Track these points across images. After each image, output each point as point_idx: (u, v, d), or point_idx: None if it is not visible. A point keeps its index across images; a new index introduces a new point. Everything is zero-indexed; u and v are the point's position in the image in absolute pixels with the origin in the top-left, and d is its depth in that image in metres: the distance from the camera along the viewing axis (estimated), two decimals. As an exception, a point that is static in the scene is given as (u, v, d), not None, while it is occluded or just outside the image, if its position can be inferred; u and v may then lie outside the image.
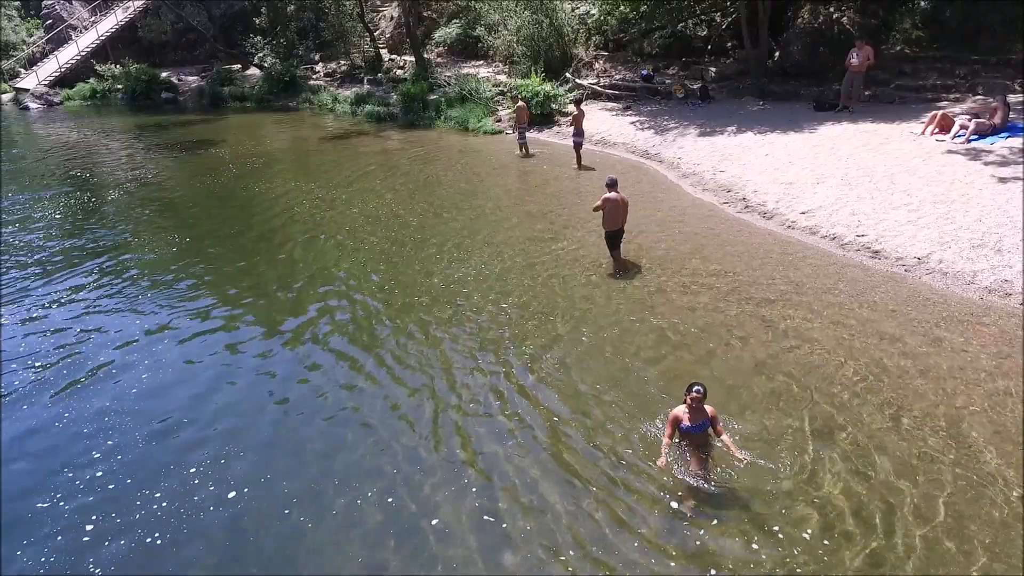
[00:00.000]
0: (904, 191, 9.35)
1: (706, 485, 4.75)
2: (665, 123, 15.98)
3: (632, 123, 16.54)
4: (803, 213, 9.53)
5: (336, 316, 7.70)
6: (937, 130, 11.53)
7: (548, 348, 6.65)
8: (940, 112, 11.68)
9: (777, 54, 19.26)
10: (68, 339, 7.27)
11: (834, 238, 8.77)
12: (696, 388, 4.87)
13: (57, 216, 12.22)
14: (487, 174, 14.19)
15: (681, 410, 4.97)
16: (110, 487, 5.01)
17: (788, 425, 5.29)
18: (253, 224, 11.30)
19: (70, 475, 5.13)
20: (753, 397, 5.63)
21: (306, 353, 6.90)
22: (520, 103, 16.04)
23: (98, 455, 5.37)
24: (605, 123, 16.85)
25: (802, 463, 4.88)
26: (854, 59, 14.19)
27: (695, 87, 18.68)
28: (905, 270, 7.75)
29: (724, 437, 4.89)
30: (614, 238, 8.28)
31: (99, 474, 5.14)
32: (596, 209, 8.18)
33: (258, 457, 5.27)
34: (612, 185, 8.13)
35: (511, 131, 17.34)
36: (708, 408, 4.92)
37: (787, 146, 12.56)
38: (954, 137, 11.02)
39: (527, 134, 15.90)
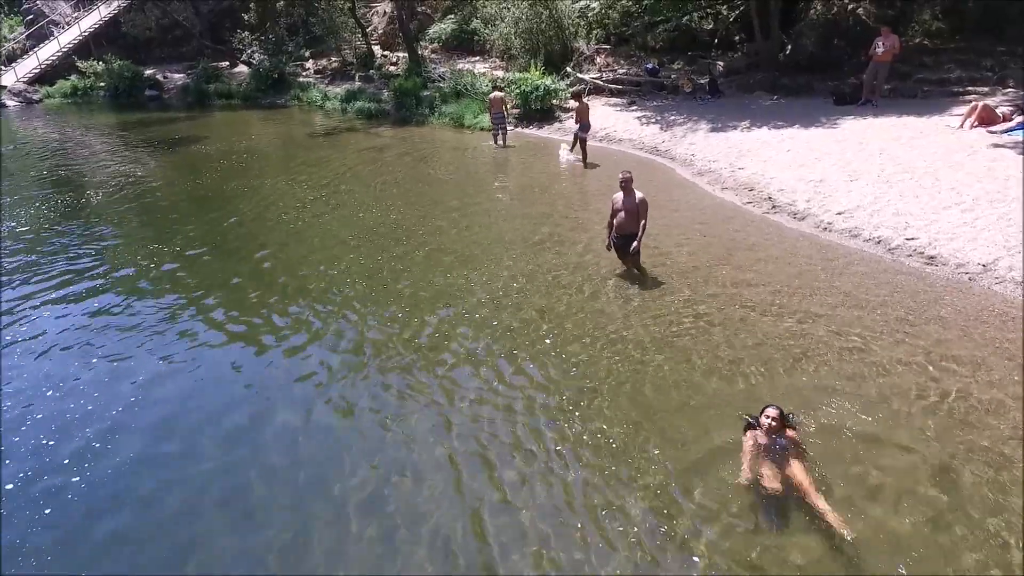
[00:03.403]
0: (952, 189, 8.35)
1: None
2: (673, 118, 14.98)
3: (638, 118, 15.54)
4: (839, 214, 8.51)
5: (328, 331, 6.63)
6: (977, 123, 10.55)
7: (562, 375, 5.59)
8: (980, 103, 10.69)
9: (789, 47, 18.30)
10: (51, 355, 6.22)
11: (879, 241, 7.75)
12: (769, 410, 4.33)
13: (29, 217, 11.08)
14: (485, 172, 13.17)
15: (755, 434, 4.39)
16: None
17: (868, 478, 4.24)
18: (234, 228, 10.21)
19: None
20: (816, 441, 4.57)
21: (307, 363, 6.00)
22: (495, 93, 15.29)
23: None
24: (609, 119, 15.83)
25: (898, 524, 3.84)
26: (879, 48, 13.22)
27: (702, 81, 17.74)
28: (969, 278, 6.72)
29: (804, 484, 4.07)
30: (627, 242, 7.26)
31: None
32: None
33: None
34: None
35: (510, 126, 16.33)
36: (789, 432, 4.34)
37: (809, 141, 11.57)
38: (1008, 131, 9.97)
39: (508, 126, 15.42)
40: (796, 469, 4.11)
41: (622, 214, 7.12)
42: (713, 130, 13.48)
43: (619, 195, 7.18)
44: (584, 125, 13.04)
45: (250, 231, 9.97)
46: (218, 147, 16.86)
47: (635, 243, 7.11)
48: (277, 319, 6.97)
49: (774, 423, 4.27)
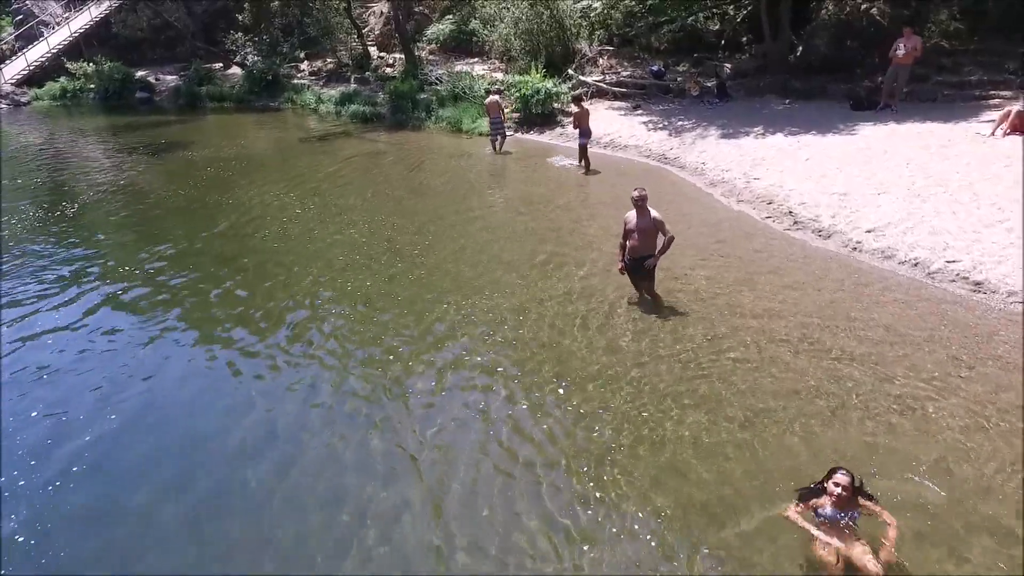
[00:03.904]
0: (993, 204, 7.65)
1: None
2: (681, 124, 14.29)
3: (643, 123, 14.84)
4: (869, 231, 7.81)
5: (302, 370, 5.95)
6: (1009, 130, 9.86)
7: (568, 431, 4.90)
8: (1013, 109, 9.99)
9: (800, 49, 17.60)
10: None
11: (916, 264, 7.04)
12: (839, 476, 3.59)
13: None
14: (483, 183, 12.45)
15: (815, 504, 3.67)
16: None
17: (936, 566, 3.55)
18: (210, 245, 9.53)
19: None
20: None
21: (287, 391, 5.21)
22: (492, 97, 14.63)
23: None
24: (614, 124, 15.13)
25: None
26: (900, 50, 12.54)
27: (709, 84, 17.08)
28: (1025, 309, 6.03)
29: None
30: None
31: None
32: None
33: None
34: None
35: (510, 131, 15.66)
36: (864, 503, 3.60)
37: (828, 149, 10.88)
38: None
39: (507, 132, 15.00)
40: (866, 557, 3.40)
41: (636, 235, 6.42)
42: (724, 136, 12.79)
43: (632, 214, 6.48)
44: (584, 131, 12.35)
45: (227, 249, 9.25)
46: (205, 153, 16.16)
47: (651, 259, 6.42)
48: (245, 352, 6.28)
49: (844, 493, 3.54)
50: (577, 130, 12.49)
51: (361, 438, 4.92)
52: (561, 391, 5.34)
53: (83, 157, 16.60)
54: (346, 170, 13.72)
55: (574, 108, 13.03)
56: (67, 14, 32.43)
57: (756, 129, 12.84)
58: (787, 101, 15.23)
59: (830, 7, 18.08)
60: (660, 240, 6.41)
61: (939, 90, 14.43)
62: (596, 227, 9.05)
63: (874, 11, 17.24)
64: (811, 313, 6.24)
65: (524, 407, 5.16)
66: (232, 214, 10.79)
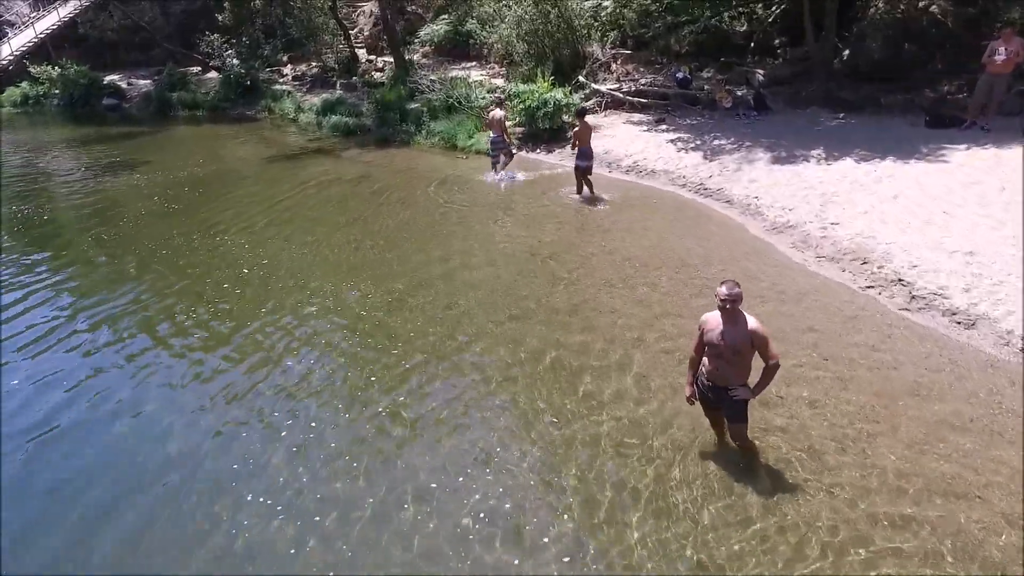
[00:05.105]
0: None
1: None
2: (718, 143, 11.94)
3: (671, 142, 12.49)
4: (1034, 320, 5.46)
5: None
6: None
7: None
8: None
9: (845, 52, 15.26)
10: None
11: None
12: None
13: None
14: (480, 225, 9.68)
15: None
16: None
17: None
18: (120, 322, 7.17)
19: None
20: None
21: None
22: (495, 111, 12.02)
23: None
24: (636, 142, 12.76)
25: None
26: (1000, 55, 10.18)
27: (740, 93, 14.79)
28: None
29: None
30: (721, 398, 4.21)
31: None
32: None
33: None
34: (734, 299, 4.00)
35: (514, 150, 13.30)
36: None
37: (921, 183, 8.55)
38: None
39: (513, 150, 12.57)
40: None
41: (720, 349, 4.04)
42: (775, 160, 10.44)
43: (714, 317, 4.09)
44: (584, 151, 10.00)
45: (146, 329, 6.88)
46: (158, 176, 13.76)
47: (740, 390, 4.07)
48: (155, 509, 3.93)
49: None
50: (575, 150, 10.16)
51: None
52: None
53: (15, 179, 14.18)
54: (316, 206, 11.21)
55: (576, 123, 10.70)
56: (35, 14, 30.12)
57: (815, 152, 10.49)
58: (840, 115, 12.89)
59: (880, 4, 15.78)
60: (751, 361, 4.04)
61: (1021, 101, 12.16)
62: (632, 301, 6.64)
63: (934, 8, 14.95)
64: (1007, 487, 3.86)
65: None
66: (153, 271, 8.27)
